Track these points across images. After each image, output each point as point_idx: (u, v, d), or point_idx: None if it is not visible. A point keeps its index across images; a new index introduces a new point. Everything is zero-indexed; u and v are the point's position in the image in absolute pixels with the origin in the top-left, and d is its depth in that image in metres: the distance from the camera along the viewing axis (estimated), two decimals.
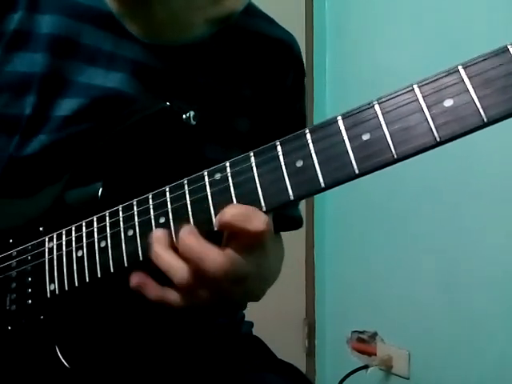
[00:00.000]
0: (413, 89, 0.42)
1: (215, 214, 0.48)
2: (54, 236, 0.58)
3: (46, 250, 0.58)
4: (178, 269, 0.48)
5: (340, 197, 1.71)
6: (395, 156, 0.42)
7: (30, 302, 0.57)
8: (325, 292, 1.89)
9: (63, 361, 0.54)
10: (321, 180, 0.44)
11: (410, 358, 1.60)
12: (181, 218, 0.50)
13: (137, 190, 0.59)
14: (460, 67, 0.41)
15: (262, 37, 0.76)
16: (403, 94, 0.42)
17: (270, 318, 1.59)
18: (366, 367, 1.69)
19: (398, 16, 1.66)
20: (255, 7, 0.78)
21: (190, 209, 0.50)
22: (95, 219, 0.56)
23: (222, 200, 0.48)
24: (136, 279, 0.51)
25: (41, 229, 0.60)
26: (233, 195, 0.48)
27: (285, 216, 0.81)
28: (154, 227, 0.51)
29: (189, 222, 0.50)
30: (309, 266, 1.90)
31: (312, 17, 1.90)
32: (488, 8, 1.41)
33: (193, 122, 0.61)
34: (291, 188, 0.45)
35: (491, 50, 0.41)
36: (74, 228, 0.57)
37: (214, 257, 0.46)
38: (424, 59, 1.55)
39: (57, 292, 0.55)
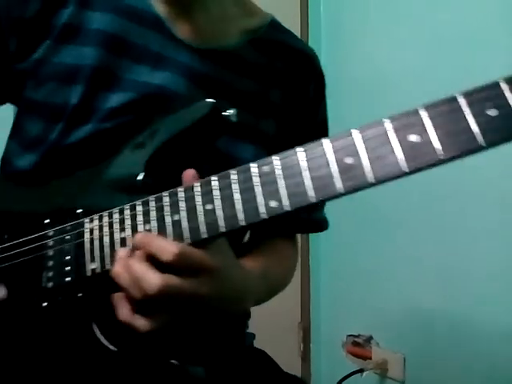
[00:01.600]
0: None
1: (265, 205, 0.50)
2: (95, 217, 0.59)
3: (87, 231, 0.59)
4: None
5: (335, 200, 1.71)
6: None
7: (68, 279, 0.59)
8: (320, 296, 1.90)
9: (103, 340, 0.55)
10: (369, 176, 0.46)
11: (405, 361, 1.61)
12: (228, 206, 0.52)
13: (173, 179, 0.61)
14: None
15: (287, 48, 0.81)
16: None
17: (265, 322, 1.59)
18: (361, 371, 1.69)
19: (392, 20, 1.68)
20: (278, 22, 0.84)
21: (237, 197, 0.52)
22: (139, 203, 0.57)
23: (270, 191, 0.50)
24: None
25: (78, 211, 0.62)
26: (281, 187, 0.50)
27: (305, 219, 0.83)
28: (200, 213, 0.53)
29: (235, 210, 0.51)
30: (304, 269, 1.90)
31: (307, 21, 1.92)
32: (483, 11, 1.43)
33: (234, 120, 0.63)
34: (341, 183, 0.47)
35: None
36: (116, 210, 0.58)
37: (150, 278, 0.51)
38: (419, 62, 1.58)
39: (98, 271, 0.57)
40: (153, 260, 0.53)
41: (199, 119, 0.62)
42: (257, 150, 0.76)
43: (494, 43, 1.37)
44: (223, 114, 0.62)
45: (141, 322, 0.53)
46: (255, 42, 0.78)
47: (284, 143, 0.77)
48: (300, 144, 0.82)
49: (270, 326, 1.67)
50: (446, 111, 0.45)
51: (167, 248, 0.52)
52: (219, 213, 0.52)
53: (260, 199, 0.50)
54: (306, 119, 0.83)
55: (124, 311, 0.54)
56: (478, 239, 1.43)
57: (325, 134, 0.87)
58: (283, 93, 0.79)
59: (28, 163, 0.69)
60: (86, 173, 0.65)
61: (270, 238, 0.82)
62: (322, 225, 0.87)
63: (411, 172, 0.46)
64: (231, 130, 0.66)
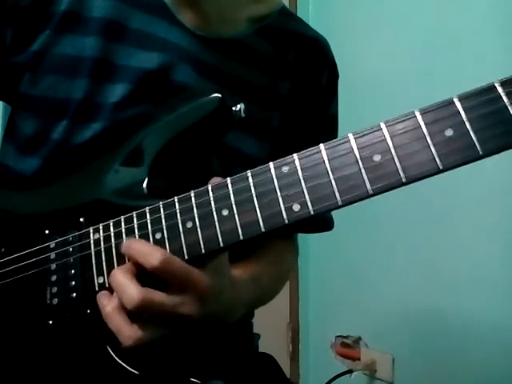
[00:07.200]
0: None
1: (285, 208, 0.48)
2: (100, 227, 0.56)
3: (92, 242, 0.56)
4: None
5: None
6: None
7: (74, 295, 0.55)
8: (309, 297, 1.89)
9: (121, 362, 0.51)
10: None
11: (393, 362, 1.61)
12: (246, 212, 0.49)
13: (180, 180, 0.58)
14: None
15: (298, 36, 0.78)
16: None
17: (254, 323, 1.58)
18: (349, 372, 1.69)
19: (382, 21, 1.69)
20: (288, 9, 0.81)
21: (256, 202, 0.49)
22: (148, 211, 0.54)
23: (292, 194, 0.48)
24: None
25: (81, 220, 0.58)
26: (304, 189, 0.48)
27: (317, 218, 0.81)
28: (216, 220, 0.50)
29: (255, 215, 0.49)
30: None
31: None
32: (473, 12, 1.44)
33: (242, 115, 0.61)
34: (369, 183, 0.46)
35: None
36: (123, 219, 0.55)
37: (130, 292, 0.48)
38: (408, 65, 1.59)
39: (107, 285, 0.53)
40: (140, 271, 0.50)
41: (206, 115, 0.59)
42: (261, 144, 0.73)
43: (483, 44, 1.39)
44: (232, 109, 0.60)
45: (127, 334, 0.49)
46: (263, 30, 0.75)
47: (289, 137, 0.76)
48: (307, 137, 0.79)
49: (258, 326, 1.64)
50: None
51: (153, 254, 0.49)
52: (237, 219, 0.49)
53: (281, 203, 0.48)
54: (316, 111, 0.80)
55: (114, 321, 0.50)
56: (465, 239, 1.44)
57: (334, 132, 0.85)
58: (292, 84, 0.76)
59: (29, 167, 0.65)
60: (84, 177, 0.61)
61: (269, 239, 0.78)
62: (330, 223, 0.85)
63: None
64: (239, 125, 0.63)
